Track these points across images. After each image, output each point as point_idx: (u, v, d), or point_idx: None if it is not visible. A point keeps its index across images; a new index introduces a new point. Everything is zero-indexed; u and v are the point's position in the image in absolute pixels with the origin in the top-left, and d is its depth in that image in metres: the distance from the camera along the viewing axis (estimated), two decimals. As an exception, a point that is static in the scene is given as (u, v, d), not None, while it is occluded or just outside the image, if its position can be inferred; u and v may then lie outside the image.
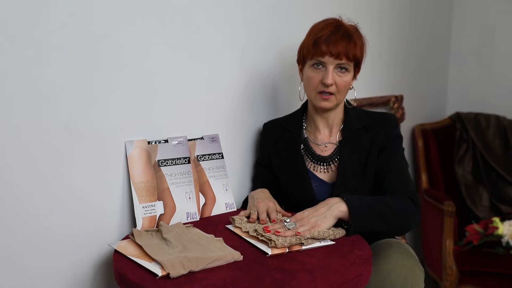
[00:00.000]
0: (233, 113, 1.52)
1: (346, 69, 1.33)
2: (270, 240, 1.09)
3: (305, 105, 1.49)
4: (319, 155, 1.42)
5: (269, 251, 1.07)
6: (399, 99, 2.34)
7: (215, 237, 1.14)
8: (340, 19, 1.38)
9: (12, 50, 1.00)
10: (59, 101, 1.09)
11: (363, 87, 2.05)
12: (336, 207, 1.19)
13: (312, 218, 1.18)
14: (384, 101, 2.26)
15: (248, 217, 1.27)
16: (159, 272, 0.95)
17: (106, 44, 1.16)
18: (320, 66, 1.34)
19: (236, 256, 1.03)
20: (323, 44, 1.31)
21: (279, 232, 1.13)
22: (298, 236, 1.11)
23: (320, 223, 1.16)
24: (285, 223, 1.18)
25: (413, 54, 2.49)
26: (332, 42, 1.31)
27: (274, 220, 1.23)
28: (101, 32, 1.15)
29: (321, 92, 1.35)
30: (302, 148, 1.44)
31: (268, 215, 1.26)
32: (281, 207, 1.42)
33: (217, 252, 1.04)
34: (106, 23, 1.15)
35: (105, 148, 1.19)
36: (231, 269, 0.99)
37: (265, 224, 1.21)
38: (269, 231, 1.14)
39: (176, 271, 0.95)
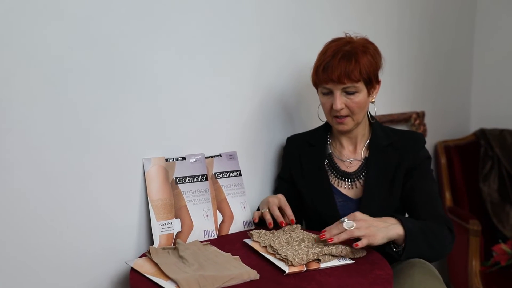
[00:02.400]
0: (251, 130, 1.52)
1: (355, 91, 1.31)
2: (287, 259, 1.07)
3: None
4: (344, 171, 1.41)
5: (287, 269, 1.05)
6: (420, 115, 2.31)
7: (232, 255, 1.13)
8: (346, 35, 1.37)
9: (29, 69, 1.02)
10: (78, 118, 1.10)
11: (384, 103, 2.02)
12: (394, 228, 1.15)
13: (371, 227, 1.12)
14: (405, 118, 2.23)
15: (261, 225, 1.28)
16: (175, 290, 0.94)
17: (124, 63, 1.18)
18: (329, 93, 1.34)
19: (253, 275, 1.02)
20: (323, 72, 1.31)
21: (332, 240, 1.11)
22: (316, 252, 1.09)
23: (376, 235, 1.11)
24: (343, 222, 1.14)
25: (435, 69, 2.46)
26: (330, 68, 1.29)
27: (292, 220, 1.26)
28: (118, 50, 1.16)
29: (335, 116, 1.35)
30: (327, 164, 1.43)
31: (281, 210, 1.28)
32: (302, 222, 1.40)
33: (234, 271, 1.02)
34: (123, 40, 1.17)
35: (123, 165, 1.20)
36: (248, 288, 0.98)
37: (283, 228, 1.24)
38: (323, 237, 1.13)
39: (192, 290, 0.94)
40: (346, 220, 1.14)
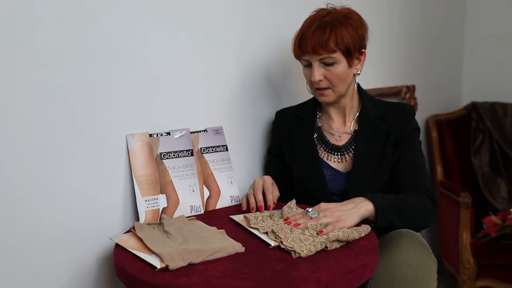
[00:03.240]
0: (238, 105, 1.50)
1: (333, 62, 1.28)
2: (294, 251, 0.99)
3: None
4: (333, 144, 1.40)
5: (272, 243, 1.04)
6: (411, 89, 2.29)
7: (218, 229, 1.12)
8: (327, 7, 1.35)
9: (9, 46, 0.99)
10: (58, 94, 1.08)
11: (373, 77, 2.00)
12: (363, 206, 1.15)
13: (337, 212, 1.12)
14: (395, 92, 2.21)
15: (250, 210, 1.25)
16: (158, 264, 0.94)
17: (105, 36, 1.15)
18: (309, 65, 1.32)
19: (238, 247, 1.01)
20: (299, 43, 1.30)
21: (299, 224, 1.08)
22: (323, 241, 1.01)
23: (345, 218, 1.10)
24: (308, 212, 1.12)
25: (426, 42, 2.43)
26: (305, 39, 1.28)
27: (269, 206, 1.23)
28: (98, 24, 1.13)
29: (317, 88, 1.33)
30: (316, 137, 1.42)
31: (264, 192, 1.26)
32: (293, 196, 1.39)
33: (218, 244, 1.01)
34: (106, 17, 1.14)
35: (106, 142, 1.18)
36: (232, 261, 0.97)
37: (284, 216, 1.16)
38: (289, 223, 1.09)
39: (175, 263, 0.93)
40: (311, 210, 1.13)
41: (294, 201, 1.23)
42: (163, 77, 1.29)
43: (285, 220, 1.13)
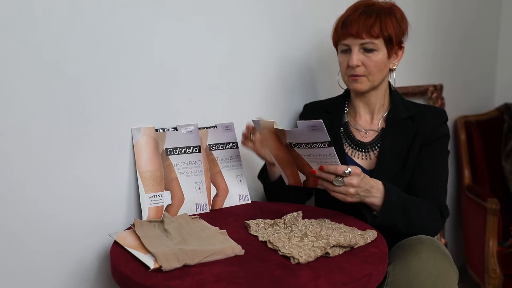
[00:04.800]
0: (250, 102, 1.45)
1: (374, 48, 1.26)
2: (293, 257, 0.94)
3: (348, 89, 1.43)
4: (358, 141, 1.36)
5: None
6: (438, 88, 2.18)
7: (221, 229, 1.08)
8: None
9: (15, 38, 0.97)
10: (62, 85, 1.05)
11: (397, 75, 1.90)
12: (373, 198, 1.14)
13: (362, 193, 1.11)
14: (421, 91, 2.12)
15: None
16: (152, 264, 0.90)
17: (112, 25, 1.12)
18: (348, 50, 1.30)
19: (237, 250, 0.97)
20: (342, 27, 1.29)
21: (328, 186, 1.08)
22: (323, 245, 0.96)
23: (352, 198, 1.11)
24: (341, 177, 1.08)
25: (456, 37, 2.31)
26: (350, 22, 1.27)
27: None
28: (105, 13, 1.11)
29: (351, 75, 1.31)
30: (342, 132, 1.38)
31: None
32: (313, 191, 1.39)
33: (217, 245, 0.97)
34: (114, 7, 1.11)
35: (111, 135, 1.16)
36: (230, 264, 0.93)
37: None
38: (317, 181, 1.10)
39: (169, 264, 0.89)
40: (341, 178, 1.08)
41: (300, 212, 1.16)
42: (173, 70, 1.25)
43: (315, 179, 1.12)
